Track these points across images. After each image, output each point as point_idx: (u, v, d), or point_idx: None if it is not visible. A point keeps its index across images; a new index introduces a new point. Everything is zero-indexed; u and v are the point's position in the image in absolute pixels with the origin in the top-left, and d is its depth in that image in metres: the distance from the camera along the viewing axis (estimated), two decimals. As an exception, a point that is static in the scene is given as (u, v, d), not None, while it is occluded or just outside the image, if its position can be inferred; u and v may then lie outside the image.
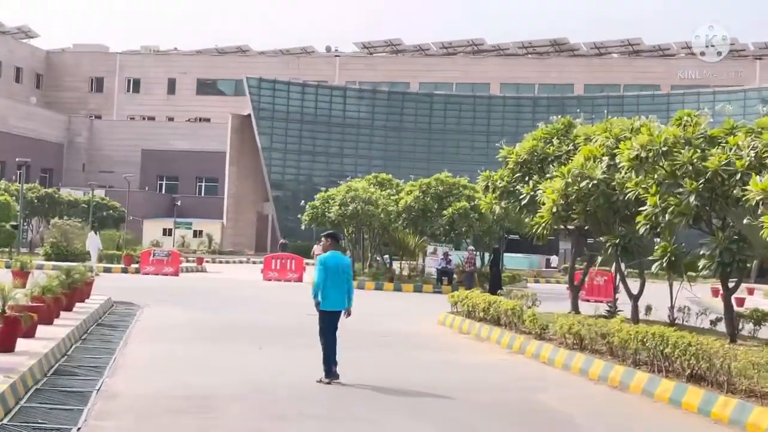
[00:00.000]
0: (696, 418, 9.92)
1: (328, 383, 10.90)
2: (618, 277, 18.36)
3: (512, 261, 46.31)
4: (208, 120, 78.49)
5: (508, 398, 10.91)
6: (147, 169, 73.75)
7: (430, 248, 35.49)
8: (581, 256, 22.20)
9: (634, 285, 17.95)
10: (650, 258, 14.58)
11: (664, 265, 14.15)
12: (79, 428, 8.06)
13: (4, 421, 7.99)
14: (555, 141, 18.89)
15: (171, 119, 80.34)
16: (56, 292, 14.59)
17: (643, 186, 14.19)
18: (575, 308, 19.13)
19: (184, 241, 62.24)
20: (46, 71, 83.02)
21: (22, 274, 19.88)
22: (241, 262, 55.26)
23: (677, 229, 14.39)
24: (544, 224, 17.28)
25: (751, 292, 34.49)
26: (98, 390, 9.90)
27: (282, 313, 20.41)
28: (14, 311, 11.35)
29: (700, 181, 13.04)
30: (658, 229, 14.31)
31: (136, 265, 35.96)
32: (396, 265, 36.66)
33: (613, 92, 68.71)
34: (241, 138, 67.41)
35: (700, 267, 13.45)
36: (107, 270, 33.59)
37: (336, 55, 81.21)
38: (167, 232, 63.59)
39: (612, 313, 17.94)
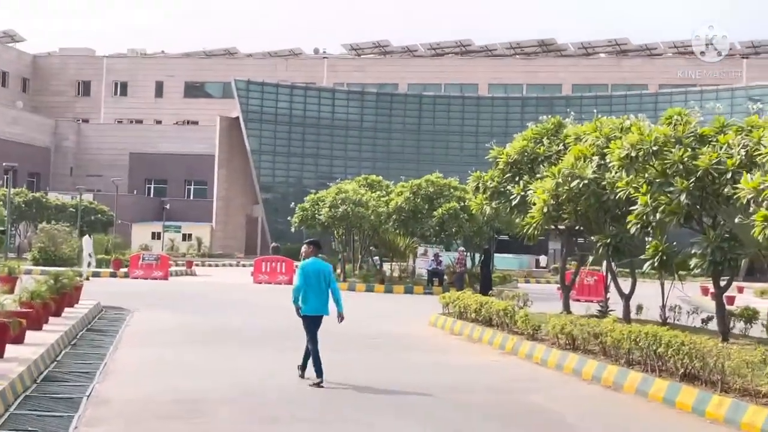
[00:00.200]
0: (691, 418, 9.90)
1: (320, 383, 10.96)
2: (609, 276, 18.35)
3: (502, 261, 46.35)
4: (196, 123, 78.21)
5: (501, 399, 10.87)
6: (135, 173, 73.40)
7: (420, 249, 35.46)
8: (572, 256, 22.21)
9: (624, 284, 17.97)
10: (642, 257, 14.58)
11: (656, 264, 14.15)
12: (69, 435, 7.97)
13: (-7, 429, 7.90)
14: (545, 141, 18.88)
15: (159, 122, 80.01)
16: (45, 298, 14.45)
17: (633, 185, 14.20)
18: (567, 308, 19.12)
19: (173, 245, 61.97)
20: (32, 75, 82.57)
21: (9, 280, 19.66)
22: (230, 265, 55.07)
23: (668, 228, 14.40)
24: (535, 224, 17.26)
25: (740, 290, 34.58)
26: (88, 396, 9.80)
27: (272, 316, 20.30)
28: (3, 317, 11.21)
29: (691, 180, 13.05)
30: (649, 229, 14.31)
31: (125, 270, 35.74)
32: (386, 266, 36.61)
33: (601, 92, 68.89)
34: (230, 140, 67.20)
35: (692, 266, 13.45)
36: (96, 274, 33.36)
37: (324, 57, 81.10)
38: (156, 236, 63.28)
39: (604, 312, 17.93)
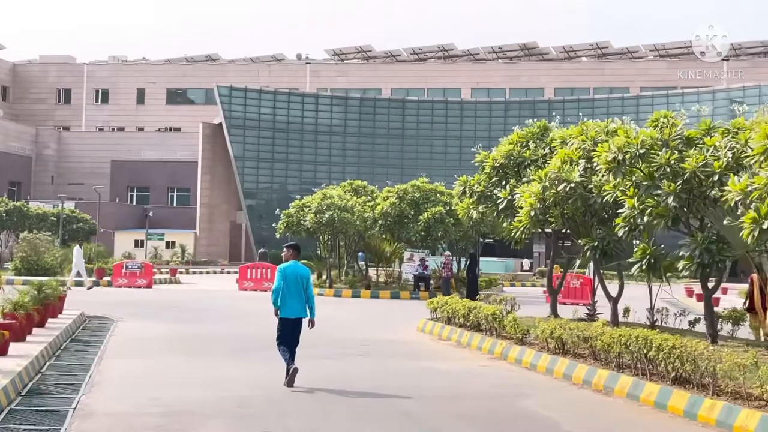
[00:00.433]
0: (683, 422, 9.86)
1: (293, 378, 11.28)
2: (596, 279, 18.35)
3: (488, 265, 46.38)
4: (178, 129, 77.81)
5: (492, 406, 10.79)
6: (117, 181, 72.88)
7: (406, 254, 35.38)
8: (559, 259, 22.20)
9: (610, 286, 17.96)
10: (630, 260, 14.57)
11: (644, 267, 14.14)
12: (55, 450, 7.82)
13: (-23, 445, 7.73)
14: (531, 145, 18.87)
15: (141, 129, 79.55)
16: (28, 308, 14.25)
17: (620, 188, 14.19)
18: (554, 312, 19.12)
19: (156, 253, 61.55)
20: (12, 83, 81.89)
21: (-9, 290, 19.44)
22: (215, 272, 54.77)
23: (655, 231, 14.40)
24: (522, 228, 17.24)
25: (724, 291, 34.76)
26: (74, 408, 9.64)
27: (259, 324, 20.11)
28: (-15, 329, 11.04)
29: (678, 183, 13.05)
30: (637, 231, 14.30)
31: (109, 278, 35.46)
32: (372, 271, 36.51)
33: (583, 95, 69.19)
34: (213, 147, 66.91)
35: (680, 268, 13.45)
36: (78, 284, 33.03)
37: (307, 63, 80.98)
38: (139, 244, 62.83)
39: (592, 316, 17.95)
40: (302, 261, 42.21)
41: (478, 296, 25.40)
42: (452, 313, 18.10)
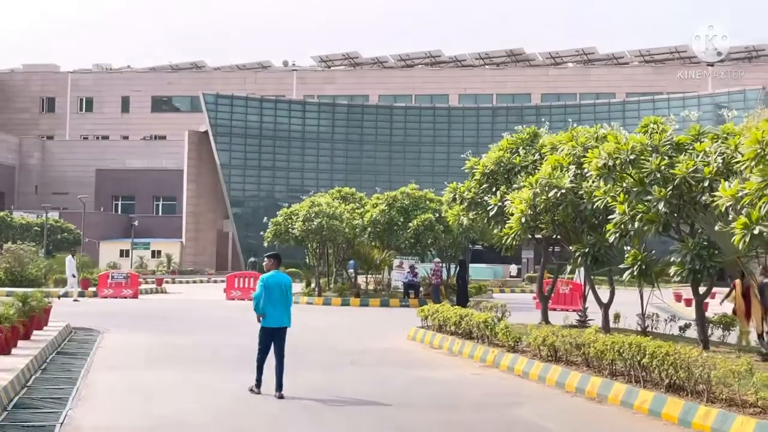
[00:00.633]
0: (677, 429, 9.79)
1: (258, 393, 11.39)
2: (587, 285, 18.29)
3: (477, 271, 46.36)
4: (164, 138, 77.48)
5: (486, 415, 10.70)
6: (102, 190, 72.43)
7: (395, 261, 35.27)
8: (548, 265, 22.15)
9: (600, 292, 17.91)
10: (621, 266, 14.52)
11: (635, 272, 14.09)
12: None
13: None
14: (521, 151, 18.84)
15: (126, 138, 79.16)
16: (14, 321, 14.03)
17: (611, 194, 14.15)
18: (546, 318, 19.06)
19: (142, 262, 61.18)
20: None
21: (-25, 303, 19.17)
22: (201, 281, 54.47)
23: (646, 237, 14.37)
24: (513, 235, 17.17)
25: (712, 296, 34.85)
26: (62, 423, 9.46)
27: (248, 334, 19.90)
28: (-31, 343, 10.84)
29: (669, 188, 13.02)
30: (628, 237, 14.26)
31: (94, 289, 35.13)
32: (361, 279, 36.35)
33: (570, 101, 69.42)
34: (199, 155, 66.62)
35: (672, 274, 13.41)
36: (65, 295, 32.72)
37: (293, 70, 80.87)
38: (125, 254, 62.42)
39: (583, 322, 17.89)
40: (290, 270, 41.69)
41: (468, 303, 25.35)
42: (443, 321, 18.00)
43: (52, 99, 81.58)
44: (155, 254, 64.07)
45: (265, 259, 12.05)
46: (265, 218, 35.83)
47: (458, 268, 31.12)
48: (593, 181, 14.71)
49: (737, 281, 16.59)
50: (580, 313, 18.56)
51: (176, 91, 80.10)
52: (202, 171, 66.63)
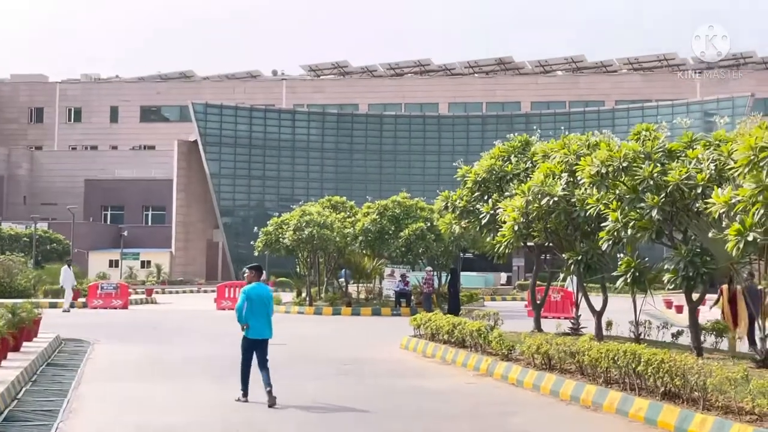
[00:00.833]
0: (674, 437, 9.73)
1: (246, 401, 11.55)
2: (580, 293, 18.25)
3: (468, 279, 46.27)
4: (153, 147, 77.26)
5: (481, 424, 10.63)
6: (91, 200, 72.05)
7: (387, 270, 35.18)
8: (541, 273, 22.12)
9: (592, 300, 17.87)
10: (614, 273, 14.49)
11: (629, 280, 14.07)
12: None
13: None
14: (513, 159, 18.83)
15: (115, 148, 78.90)
16: (3, 333, 13.88)
17: (603, 202, 14.13)
18: (538, 326, 19.02)
19: (131, 273, 60.87)
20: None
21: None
22: (191, 291, 54.22)
23: (639, 244, 14.35)
24: (505, 243, 17.14)
25: (703, 302, 34.96)
26: (52, 437, 9.35)
27: (237, 345, 19.76)
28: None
29: (662, 195, 13.01)
30: (621, 245, 14.24)
31: (83, 300, 34.90)
32: (352, 288, 36.25)
33: (559, 109, 69.63)
34: (189, 164, 66.43)
35: (665, 281, 13.39)
36: (53, 305, 32.49)
37: (283, 79, 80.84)
38: (114, 264, 62.08)
39: (576, 330, 17.85)
40: (280, 279, 41.69)
41: (460, 311, 25.30)
42: (436, 330, 17.93)
43: (41, 109, 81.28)
44: (145, 264, 63.77)
45: (246, 270, 12.19)
46: (256, 228, 35.71)
47: (449, 277, 31.08)
48: (586, 189, 14.70)
49: (724, 287, 16.64)
50: (572, 321, 18.51)
51: (165, 100, 79.94)
52: (191, 181, 66.43)
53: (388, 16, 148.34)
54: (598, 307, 17.22)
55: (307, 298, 33.79)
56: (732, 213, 11.10)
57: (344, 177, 67.01)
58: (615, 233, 13.76)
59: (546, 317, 25.04)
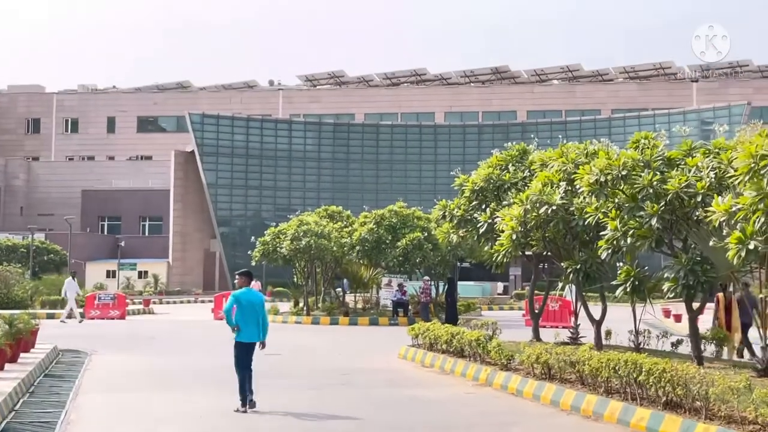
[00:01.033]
0: (676, 447, 9.67)
1: (245, 411, 11.53)
2: (579, 302, 18.20)
3: (465, 289, 46.19)
4: (150, 158, 77.22)
5: (482, 435, 10.56)
6: (88, 210, 71.93)
7: (384, 280, 35.11)
8: (539, 282, 22.08)
9: (591, 309, 17.82)
10: (614, 282, 14.44)
11: (628, 289, 14.02)
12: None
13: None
14: (511, 168, 18.81)
15: (112, 158, 78.84)
16: (0, 344, 13.81)
17: (602, 210, 14.10)
18: (537, 336, 18.97)
19: (129, 283, 60.71)
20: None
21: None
22: (189, 301, 54.09)
23: (639, 253, 14.32)
24: (504, 252, 17.09)
25: (702, 311, 34.93)
26: (50, 449, 9.26)
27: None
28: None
29: (661, 204, 12.98)
30: (620, 253, 14.20)
31: (81, 310, 34.74)
32: (349, 297, 36.17)
33: (555, 118, 69.70)
34: (186, 175, 66.40)
35: (665, 290, 13.34)
36: (50, 316, 32.38)
37: (279, 89, 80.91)
38: (111, 274, 61.89)
39: (575, 339, 17.80)
40: (278, 289, 41.66)
41: (458, 321, 25.22)
42: (434, 340, 17.86)
43: (38, 120, 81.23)
44: (142, 275, 63.62)
45: (236, 276, 12.44)
46: (253, 237, 35.67)
47: (447, 286, 31.00)
48: (584, 198, 14.67)
49: (719, 295, 16.63)
50: (571, 330, 18.46)
51: (162, 111, 79.95)
52: (188, 191, 66.38)
53: (384, 26, 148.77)
54: (596, 316, 17.18)
55: (305, 308, 33.71)
56: (732, 221, 11.07)
57: (341, 186, 66.99)
58: (614, 242, 13.72)
59: (544, 326, 24.97)
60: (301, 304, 34.88)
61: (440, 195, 23.15)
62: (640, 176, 13.34)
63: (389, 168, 68.41)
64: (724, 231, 11.46)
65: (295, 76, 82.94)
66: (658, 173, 13.28)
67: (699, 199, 12.59)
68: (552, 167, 16.42)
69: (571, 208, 15.53)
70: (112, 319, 33.56)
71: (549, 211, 15.74)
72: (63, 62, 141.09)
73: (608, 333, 17.43)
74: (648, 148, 14.04)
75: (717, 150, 13.25)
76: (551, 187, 16.14)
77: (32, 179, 75.62)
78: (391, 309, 33.09)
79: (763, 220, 10.24)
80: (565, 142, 17.41)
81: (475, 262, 33.20)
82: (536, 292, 21.90)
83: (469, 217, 19.10)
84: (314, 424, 10.97)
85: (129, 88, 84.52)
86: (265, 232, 34.60)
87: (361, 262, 33.76)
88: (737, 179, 10.89)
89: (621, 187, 13.69)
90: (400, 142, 69.20)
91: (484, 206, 18.80)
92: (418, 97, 77.14)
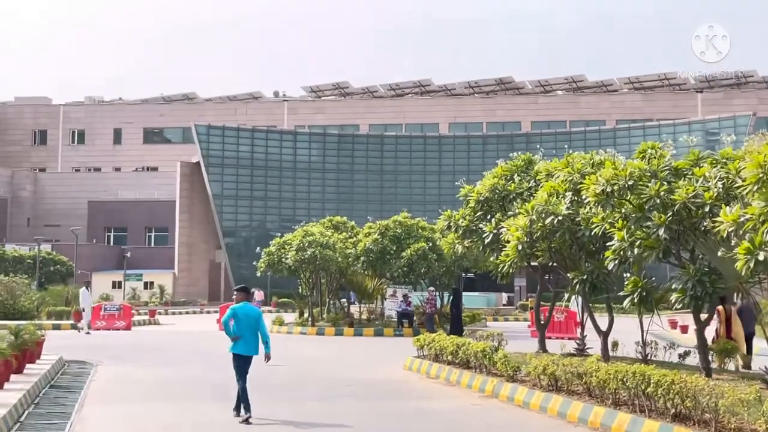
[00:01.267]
0: (685, 459, 9.59)
1: (237, 415, 11.86)
2: (585, 313, 18.11)
3: (470, 300, 45.95)
4: (156, 169, 77.37)
5: (489, 447, 10.49)
6: (94, 221, 72.07)
7: (389, 290, 35.03)
8: (545, 293, 21.99)
9: (597, 320, 17.72)
10: (621, 293, 14.35)
11: (636, 300, 13.94)
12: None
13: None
14: (516, 178, 18.75)
15: (118, 169, 79.01)
16: (6, 355, 13.77)
17: (609, 221, 14.04)
18: (543, 347, 18.88)
19: (135, 294, 60.69)
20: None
21: (-34, 337, 18.85)
22: (194, 312, 54.04)
23: (646, 263, 14.24)
24: (509, 262, 17.03)
25: (709, 322, 34.77)
26: (55, 461, 9.22)
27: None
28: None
29: (669, 214, 12.91)
30: (627, 264, 14.13)
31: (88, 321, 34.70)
32: (354, 308, 36.09)
33: (560, 128, 69.67)
34: (191, 186, 66.53)
35: (673, 300, 13.26)
36: (56, 327, 32.37)
37: (284, 100, 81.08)
38: (117, 285, 61.96)
39: (581, 350, 17.70)
40: (282, 300, 41.72)
41: (463, 332, 25.13)
42: (440, 351, 17.78)
43: (44, 131, 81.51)
44: (148, 285, 63.62)
45: (234, 292, 12.80)
46: (258, 248, 35.64)
47: (452, 297, 30.89)
48: (591, 208, 14.61)
49: (720, 308, 16.56)
50: (578, 342, 18.35)
51: (168, 122, 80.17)
52: (194, 202, 66.47)
53: (388, 37, 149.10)
54: (602, 327, 17.09)
55: (310, 319, 33.65)
56: (741, 232, 11.00)
57: (345, 197, 67.02)
58: (621, 252, 13.66)
59: (549, 338, 24.81)
60: (305, 315, 34.81)
61: (444, 206, 23.07)
62: (647, 186, 13.28)
63: (394, 179, 68.43)
64: (732, 241, 11.38)
65: (300, 88, 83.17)
66: (666, 183, 13.22)
67: (707, 209, 12.51)
68: (558, 177, 16.37)
69: (578, 219, 15.47)
70: (118, 329, 33.54)
71: (555, 222, 15.67)
72: (69, 74, 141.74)
73: (615, 344, 17.35)
74: (655, 158, 13.98)
75: (724, 160, 13.20)
76: (557, 198, 16.09)
77: (39, 190, 75.80)
78: (395, 320, 32.98)
79: (771, 230, 10.17)
80: (570, 152, 17.35)
81: (479, 272, 33.10)
82: (541, 303, 21.81)
83: (474, 228, 19.04)
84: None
85: (135, 99, 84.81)
86: (270, 242, 34.57)
87: (365, 272, 33.70)
88: (745, 189, 10.82)
89: (628, 197, 13.63)
90: (405, 153, 69.24)
91: (489, 216, 18.73)
92: (423, 108, 77.21)
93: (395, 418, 12.43)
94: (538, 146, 25.12)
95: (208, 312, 50.65)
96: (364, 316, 34.81)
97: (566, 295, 18.34)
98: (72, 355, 20.26)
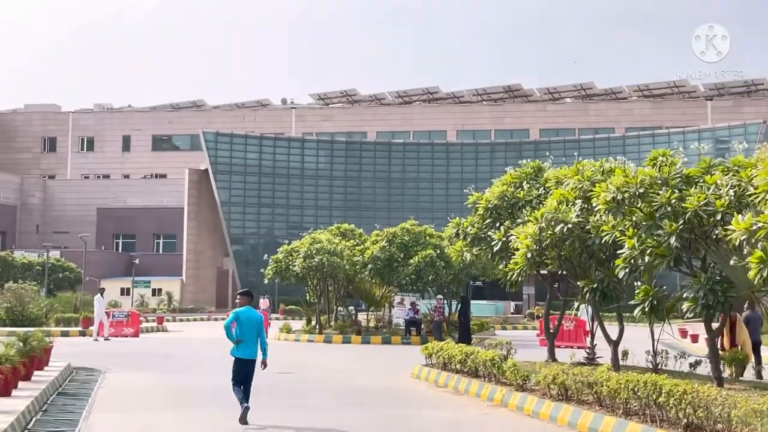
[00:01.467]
0: (698, 470, 9.48)
1: (246, 408, 11.94)
2: (595, 322, 17.99)
3: (478, 308, 45.83)
4: (164, 176, 77.57)
5: (499, 457, 10.39)
6: (103, 228, 72.21)
7: (396, 298, 34.94)
8: (554, 301, 21.88)
9: (607, 329, 17.60)
10: (632, 302, 14.23)
11: (646, 309, 13.82)
12: None
13: None
14: (525, 185, 18.66)
15: (126, 176, 79.24)
16: (14, 362, 13.75)
17: (619, 229, 13.94)
18: (552, 356, 18.76)
19: (143, 301, 60.74)
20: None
21: (-25, 343, 18.85)
22: (202, 319, 54.03)
23: (657, 272, 14.13)
24: (518, 270, 16.93)
25: (721, 331, 34.56)
26: (62, 469, 9.16)
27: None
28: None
29: (680, 222, 12.80)
30: (638, 272, 14.02)
31: (94, 328, 34.71)
32: (361, 316, 36.02)
33: (568, 136, 69.51)
34: (199, 193, 66.62)
35: (684, 309, 13.13)
36: (65, 334, 32.37)
37: (292, 107, 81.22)
38: (125, 292, 62.04)
39: (591, 359, 17.58)
40: (290, 307, 41.72)
41: (471, 340, 25.01)
42: (448, 359, 17.68)
43: (54, 138, 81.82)
44: (156, 292, 63.69)
45: (238, 296, 12.83)
46: (266, 255, 35.61)
47: (460, 305, 30.79)
48: (601, 216, 14.51)
49: (723, 316, 16.43)
50: (588, 351, 18.23)
51: (176, 129, 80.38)
52: (202, 209, 66.56)
53: (396, 45, 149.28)
54: (612, 335, 16.97)
55: (317, 326, 33.58)
56: (753, 240, 10.90)
57: (353, 205, 67.01)
58: (631, 261, 13.54)
59: (559, 346, 24.64)
60: (313, 323, 34.75)
61: (452, 213, 23.02)
62: (658, 194, 13.18)
63: (401, 186, 68.40)
64: (745, 250, 11.28)
65: (308, 95, 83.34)
66: (677, 191, 13.12)
67: (718, 217, 12.40)
68: (567, 185, 16.27)
69: (587, 227, 15.37)
70: (126, 336, 33.52)
71: (564, 230, 15.57)
72: (79, 82, 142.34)
73: (625, 353, 17.22)
74: (666, 165, 13.88)
75: (736, 168, 13.08)
76: (567, 205, 15.99)
77: (48, 197, 76.05)
78: (403, 328, 32.89)
79: (784, 238, 10.07)
80: (580, 159, 17.26)
81: (488, 280, 32.97)
82: (551, 311, 21.68)
83: (482, 235, 18.94)
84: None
85: (144, 107, 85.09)
86: (278, 249, 34.56)
87: (373, 280, 33.63)
88: (758, 197, 10.73)
89: (638, 205, 13.52)
90: (412, 161, 69.21)
91: (498, 224, 18.64)
92: (430, 115, 77.20)
93: (405, 427, 12.35)
94: (547, 153, 24.97)
95: (216, 319, 50.62)
96: (371, 324, 34.73)
97: (576, 304, 18.21)
98: (80, 362, 20.23)
